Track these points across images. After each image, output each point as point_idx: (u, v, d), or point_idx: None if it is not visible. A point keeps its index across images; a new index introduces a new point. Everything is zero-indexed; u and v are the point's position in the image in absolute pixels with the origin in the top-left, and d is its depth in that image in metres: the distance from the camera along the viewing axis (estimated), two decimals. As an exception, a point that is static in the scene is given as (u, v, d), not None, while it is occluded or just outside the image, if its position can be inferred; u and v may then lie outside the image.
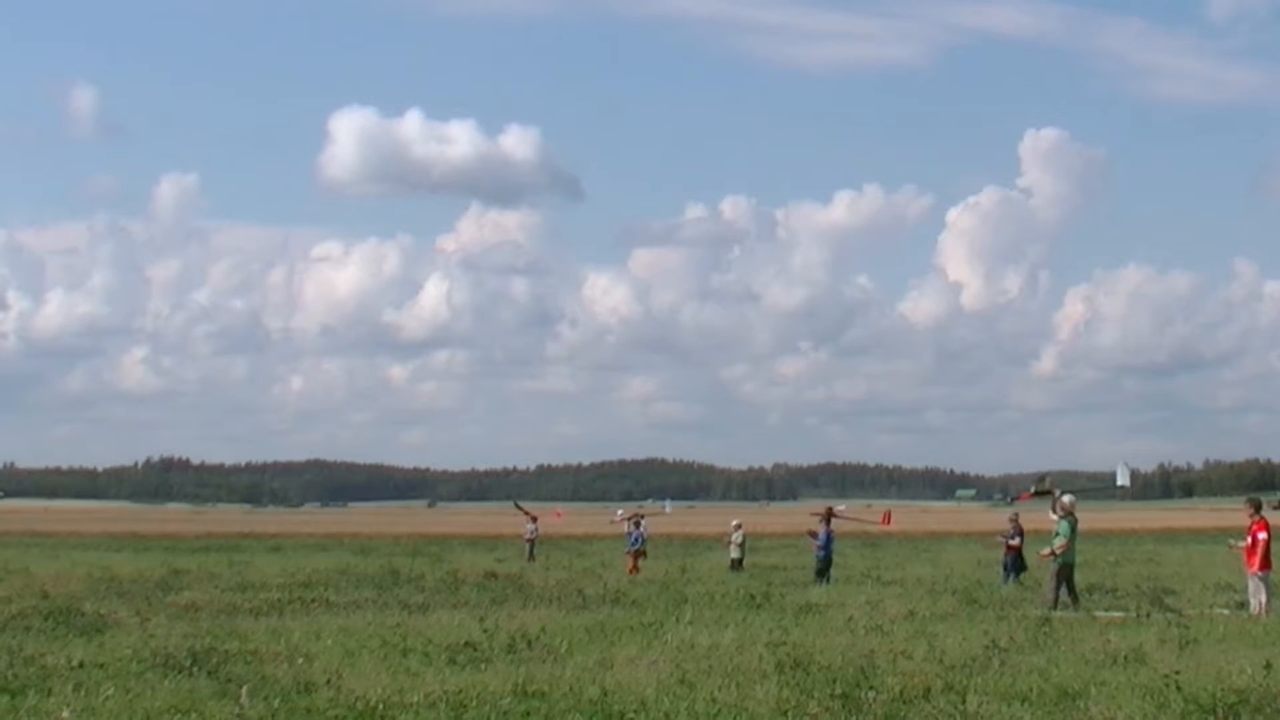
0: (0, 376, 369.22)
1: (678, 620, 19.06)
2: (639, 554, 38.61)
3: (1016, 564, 28.40)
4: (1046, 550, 22.87)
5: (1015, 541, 28.72)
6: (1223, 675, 12.86)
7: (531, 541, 47.05)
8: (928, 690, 12.28)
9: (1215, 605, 22.21)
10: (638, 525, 40.02)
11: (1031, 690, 12.34)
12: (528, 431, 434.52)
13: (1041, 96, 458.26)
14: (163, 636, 17.15)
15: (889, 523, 53.75)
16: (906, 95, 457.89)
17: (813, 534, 31.68)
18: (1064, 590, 22.35)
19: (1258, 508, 21.38)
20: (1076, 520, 22.94)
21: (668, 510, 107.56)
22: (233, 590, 27.57)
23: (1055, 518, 23.08)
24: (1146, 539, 69.97)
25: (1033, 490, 43.22)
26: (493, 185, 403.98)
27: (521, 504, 58.97)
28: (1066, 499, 23.54)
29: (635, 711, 11.40)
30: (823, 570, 30.07)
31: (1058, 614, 20.41)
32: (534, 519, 48.52)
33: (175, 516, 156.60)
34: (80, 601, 23.21)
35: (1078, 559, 23.67)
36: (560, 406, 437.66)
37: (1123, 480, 52.92)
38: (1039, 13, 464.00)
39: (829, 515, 32.42)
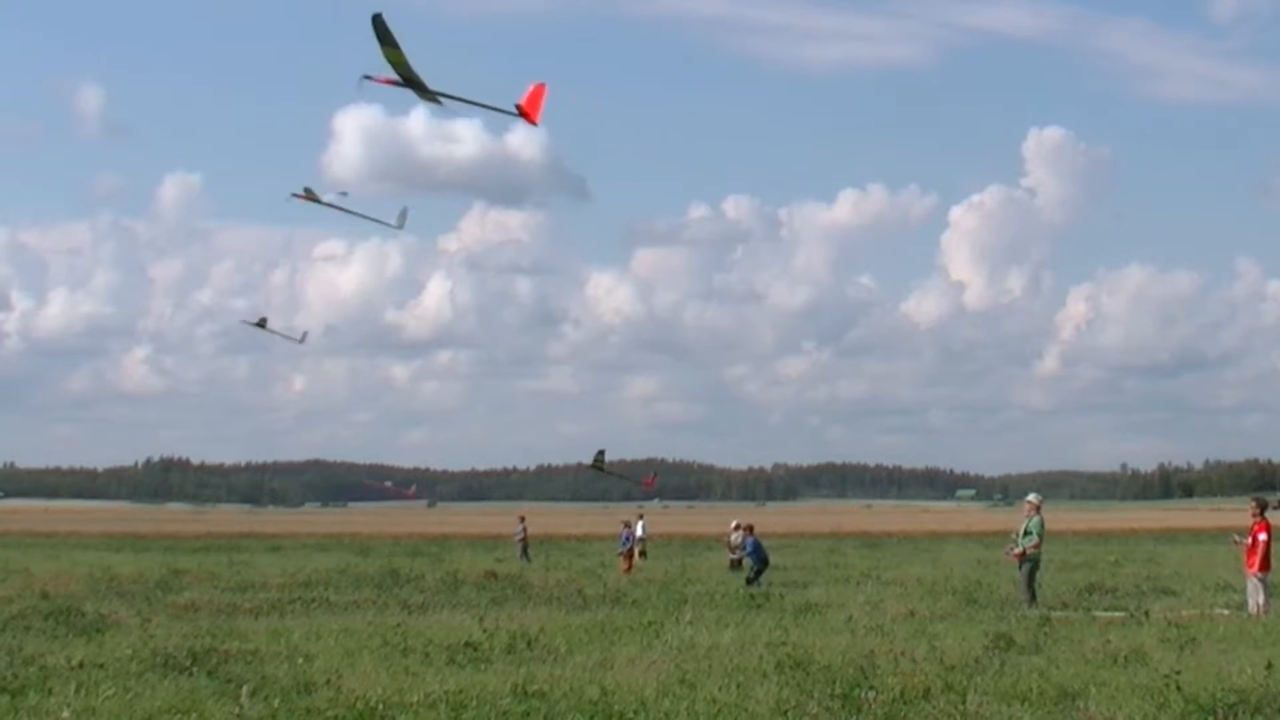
0: (1, 376, 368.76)
1: (678, 620, 19.07)
2: (634, 553, 38.85)
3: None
4: (1017, 550, 22.80)
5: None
6: (1223, 675, 12.86)
7: (523, 541, 46.80)
8: (928, 690, 12.28)
9: (1215, 605, 22.22)
10: (627, 526, 40.04)
11: (1031, 690, 12.34)
12: (529, 431, 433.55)
13: (1044, 96, 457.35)
14: (163, 636, 17.15)
15: (652, 485, 53.78)
16: (910, 95, 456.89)
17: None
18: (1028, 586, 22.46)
19: (1263, 508, 21.26)
20: (1043, 519, 22.93)
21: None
22: (233, 590, 27.57)
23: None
24: (1146, 539, 69.97)
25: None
26: (498, 184, 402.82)
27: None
28: (1034, 497, 23.53)
29: (635, 711, 11.40)
30: (759, 572, 30.20)
31: (1037, 611, 20.46)
32: (521, 518, 48.42)
33: (175, 516, 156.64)
34: (80, 601, 23.21)
35: (1043, 558, 23.66)
36: (562, 406, 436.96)
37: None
38: (1041, 12, 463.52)
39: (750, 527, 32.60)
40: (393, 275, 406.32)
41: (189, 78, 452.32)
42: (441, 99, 29.85)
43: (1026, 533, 22.56)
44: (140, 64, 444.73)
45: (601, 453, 39.95)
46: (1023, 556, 22.59)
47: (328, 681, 12.92)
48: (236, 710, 11.39)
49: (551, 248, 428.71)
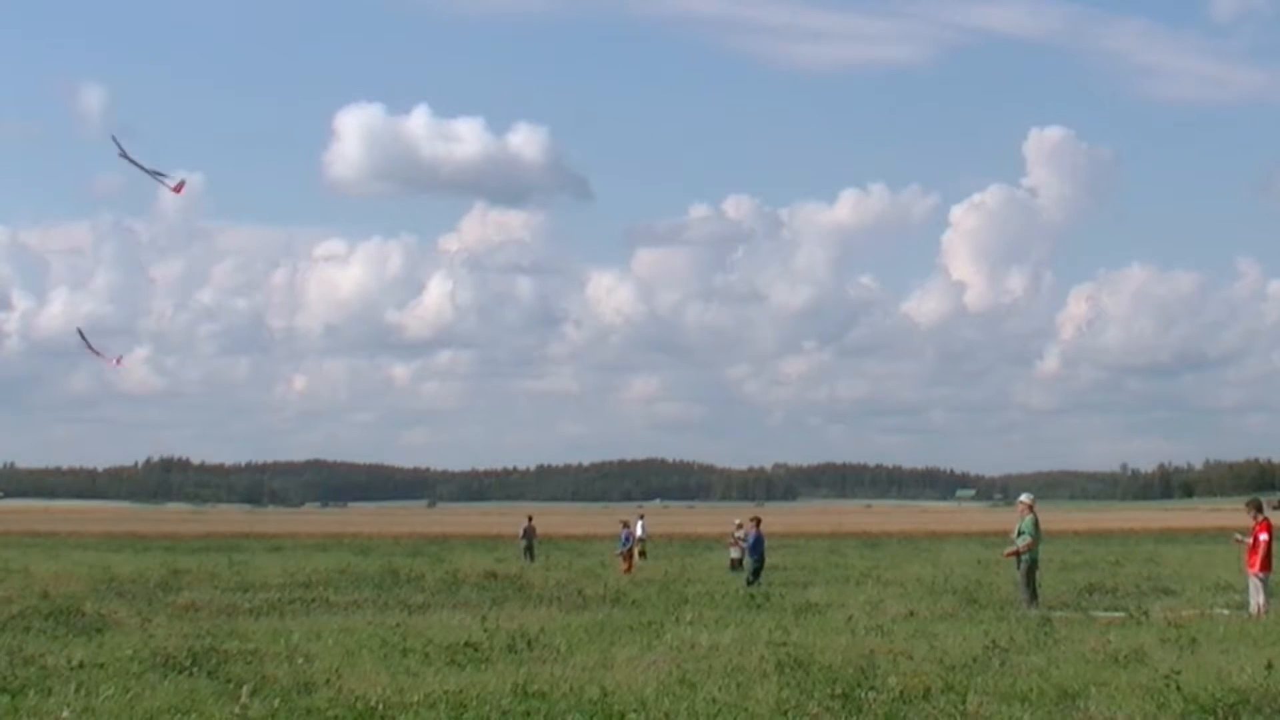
0: (1, 376, 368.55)
1: (678, 620, 19.07)
2: (634, 553, 38.93)
3: None
4: (1011, 549, 22.89)
5: None
6: (1223, 675, 12.85)
7: (528, 540, 46.61)
8: (928, 690, 12.28)
9: (1215, 605, 22.22)
10: (626, 526, 40.05)
11: (1031, 690, 12.34)
12: (529, 431, 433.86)
13: (1045, 96, 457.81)
14: (163, 636, 17.15)
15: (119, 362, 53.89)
16: (910, 95, 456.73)
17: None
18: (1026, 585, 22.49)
19: (1259, 509, 21.31)
20: (1037, 517, 22.96)
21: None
22: (233, 590, 27.56)
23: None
24: (1146, 539, 69.93)
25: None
26: (500, 184, 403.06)
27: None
28: (1026, 497, 23.54)
29: (635, 711, 11.39)
30: (756, 571, 30.15)
31: (1037, 611, 20.48)
32: (529, 518, 48.34)
33: (175, 516, 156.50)
34: (80, 601, 23.20)
35: (1040, 555, 23.65)
36: (563, 406, 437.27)
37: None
38: (1042, 12, 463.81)
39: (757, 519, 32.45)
40: (393, 275, 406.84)
41: (190, 78, 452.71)
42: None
43: (1020, 533, 22.65)
44: (142, 64, 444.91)
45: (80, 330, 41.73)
46: (1016, 555, 22.69)
47: (328, 681, 12.92)
48: (237, 710, 11.38)
49: (552, 248, 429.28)
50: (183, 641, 16.28)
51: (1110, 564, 38.75)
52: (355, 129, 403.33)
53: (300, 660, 14.56)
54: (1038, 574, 23.30)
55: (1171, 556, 44.24)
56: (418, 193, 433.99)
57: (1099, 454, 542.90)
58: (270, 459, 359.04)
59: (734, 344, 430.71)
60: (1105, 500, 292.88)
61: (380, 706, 11.62)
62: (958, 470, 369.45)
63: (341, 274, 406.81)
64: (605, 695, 12.02)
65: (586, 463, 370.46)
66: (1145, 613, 20.10)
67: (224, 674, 13.58)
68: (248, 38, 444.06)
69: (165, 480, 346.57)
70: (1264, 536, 20.73)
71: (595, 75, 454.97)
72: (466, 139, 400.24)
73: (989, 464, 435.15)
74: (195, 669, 13.91)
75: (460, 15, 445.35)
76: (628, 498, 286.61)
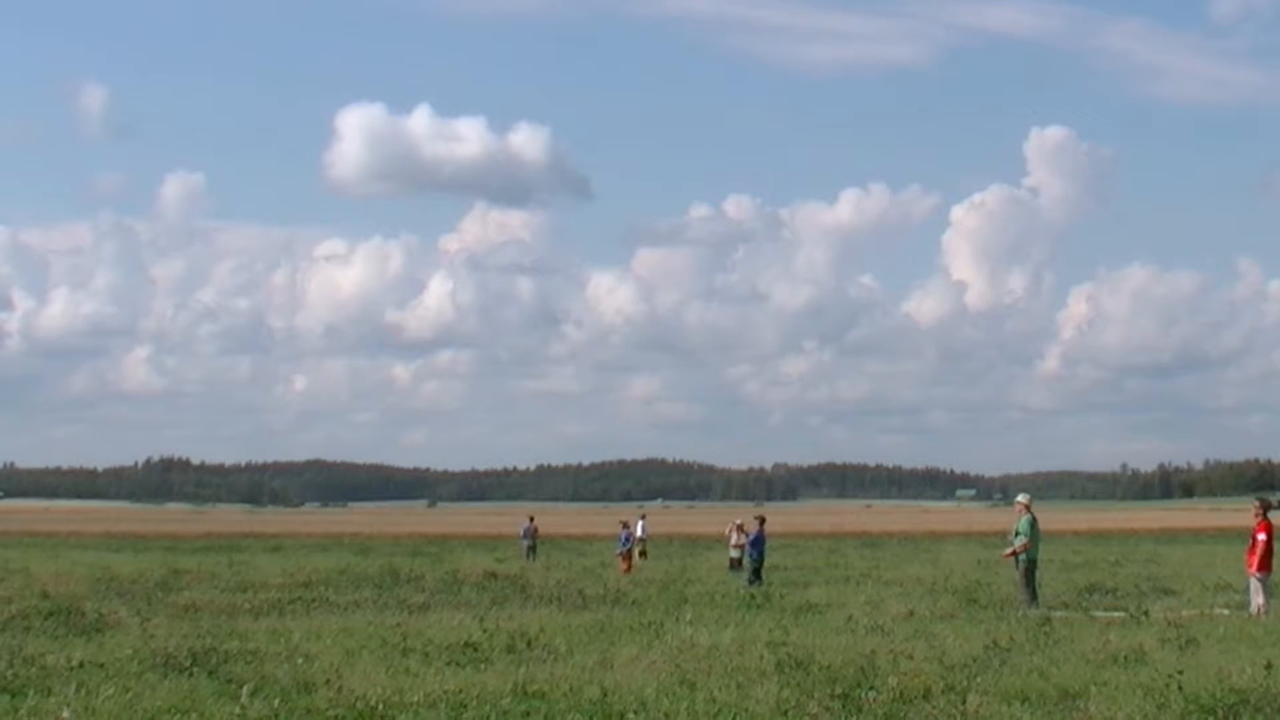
0: (1, 376, 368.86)
1: (678, 620, 19.05)
2: (633, 554, 38.95)
3: None
4: (1008, 550, 22.94)
5: None
6: (1223, 675, 12.84)
7: (530, 540, 46.63)
8: (928, 690, 12.27)
9: (1215, 605, 22.21)
10: (626, 526, 40.04)
11: (1031, 690, 12.34)
12: (530, 431, 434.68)
13: (1046, 96, 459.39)
14: (163, 636, 17.12)
15: None
16: (911, 95, 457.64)
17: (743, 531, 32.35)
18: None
19: (1266, 508, 21.20)
20: (1035, 518, 22.96)
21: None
22: (233, 590, 27.55)
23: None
24: (1146, 539, 69.99)
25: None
26: (500, 184, 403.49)
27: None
28: (1023, 497, 23.55)
29: (635, 711, 11.39)
30: (756, 570, 30.15)
31: (1037, 611, 20.48)
32: (530, 518, 48.39)
33: (175, 516, 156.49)
34: (80, 601, 23.18)
35: (1040, 555, 23.65)
36: (563, 406, 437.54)
37: None
38: (1042, 12, 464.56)
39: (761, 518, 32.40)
40: (394, 275, 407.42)
41: (191, 77, 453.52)
42: None
43: (1016, 533, 22.68)
44: (142, 63, 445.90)
45: None
46: (1013, 556, 22.73)
47: (328, 681, 12.90)
48: (237, 710, 11.37)
49: (553, 247, 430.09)
50: (183, 641, 16.26)
51: (1110, 564, 38.75)
52: (356, 129, 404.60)
53: (300, 660, 14.54)
54: (1038, 574, 23.31)
55: (1171, 556, 44.26)
56: (418, 193, 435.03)
57: (1099, 454, 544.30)
58: (270, 459, 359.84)
59: (734, 344, 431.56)
60: (1105, 500, 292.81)
61: (380, 706, 11.61)
62: (958, 470, 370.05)
63: (342, 274, 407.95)
64: (605, 695, 12.01)
65: (586, 463, 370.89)
66: (1145, 613, 20.08)
67: (224, 674, 13.56)
68: (248, 37, 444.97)
69: (165, 480, 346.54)
70: (1262, 536, 20.70)
71: (595, 75, 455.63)
72: (467, 139, 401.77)
73: (989, 464, 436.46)
74: (195, 669, 13.90)
75: (461, 15, 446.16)
76: (628, 498, 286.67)
